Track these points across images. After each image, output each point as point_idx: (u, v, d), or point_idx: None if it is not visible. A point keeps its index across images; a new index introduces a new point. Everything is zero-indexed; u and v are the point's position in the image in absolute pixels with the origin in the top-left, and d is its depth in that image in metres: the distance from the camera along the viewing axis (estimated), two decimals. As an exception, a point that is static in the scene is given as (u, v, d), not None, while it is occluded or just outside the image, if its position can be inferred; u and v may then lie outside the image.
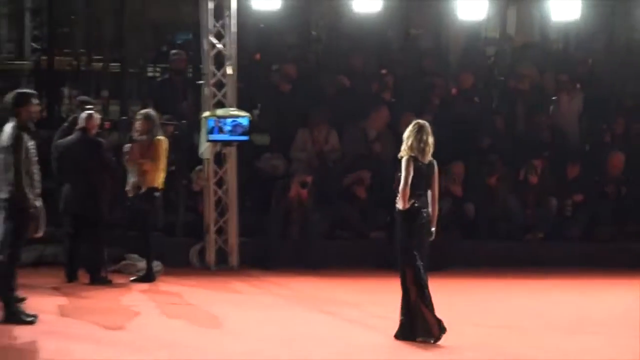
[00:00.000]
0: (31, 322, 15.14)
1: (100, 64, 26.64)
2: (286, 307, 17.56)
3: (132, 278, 19.04)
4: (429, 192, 14.72)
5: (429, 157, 14.66)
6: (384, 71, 24.45)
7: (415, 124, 14.83)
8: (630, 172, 23.27)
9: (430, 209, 14.69)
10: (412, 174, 14.48)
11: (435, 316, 14.46)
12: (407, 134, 14.73)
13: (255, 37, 24.51)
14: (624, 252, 21.86)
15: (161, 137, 19.05)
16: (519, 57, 26.32)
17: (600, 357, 14.35)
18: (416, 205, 14.51)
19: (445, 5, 23.30)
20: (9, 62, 26.62)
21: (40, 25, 26.89)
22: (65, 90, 25.55)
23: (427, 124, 14.82)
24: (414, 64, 25.32)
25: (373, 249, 20.97)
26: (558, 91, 24.66)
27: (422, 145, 14.59)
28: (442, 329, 14.46)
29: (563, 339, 15.41)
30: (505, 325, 16.34)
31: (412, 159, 14.54)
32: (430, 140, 14.62)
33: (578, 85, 24.70)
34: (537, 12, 26.36)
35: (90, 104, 19.66)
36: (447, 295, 17.97)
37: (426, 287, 14.52)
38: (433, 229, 14.69)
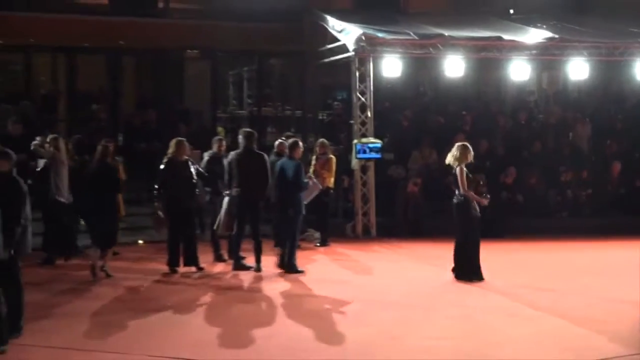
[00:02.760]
0: (250, 268, 15.65)
1: (289, 111, 26.81)
2: (406, 260, 17.73)
3: (316, 244, 19.04)
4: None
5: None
6: (464, 112, 24.49)
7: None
8: (624, 176, 23.10)
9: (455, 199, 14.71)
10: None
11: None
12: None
13: (385, 93, 24.51)
14: (622, 225, 21.16)
15: (332, 156, 19.18)
16: (550, 102, 26.38)
17: (600, 291, 14.30)
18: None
19: (503, 70, 23.26)
20: (234, 111, 27.04)
21: (252, 88, 27.13)
22: (268, 129, 25.99)
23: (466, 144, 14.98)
24: (483, 108, 25.41)
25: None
26: (575, 123, 24.62)
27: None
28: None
29: (579, 278, 15.47)
30: (542, 270, 16.40)
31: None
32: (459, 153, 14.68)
33: (587, 119, 24.65)
34: (561, 73, 26.20)
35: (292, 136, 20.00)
36: (504, 253, 18.12)
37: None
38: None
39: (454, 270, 14.83)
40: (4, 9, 21.96)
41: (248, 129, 16.53)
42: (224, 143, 17.31)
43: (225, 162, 16.41)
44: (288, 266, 15.59)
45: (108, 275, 15.08)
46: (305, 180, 16.04)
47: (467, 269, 14.68)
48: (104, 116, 22.15)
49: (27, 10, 22.38)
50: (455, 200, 14.75)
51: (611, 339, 10.97)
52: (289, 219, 15.73)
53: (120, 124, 22.94)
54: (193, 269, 15.64)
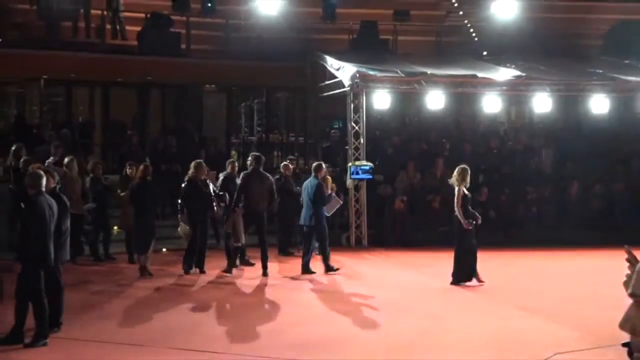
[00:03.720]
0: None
1: (294, 138, 26.92)
2: (394, 267, 17.63)
3: (315, 252, 18.60)
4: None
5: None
6: (444, 140, 24.44)
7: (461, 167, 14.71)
8: (583, 192, 23.01)
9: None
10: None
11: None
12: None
13: (375, 122, 24.48)
14: (580, 237, 20.88)
15: (328, 177, 19.11)
16: (518, 131, 26.37)
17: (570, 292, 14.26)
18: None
19: (477, 104, 23.21)
20: (245, 138, 27.06)
21: (261, 117, 27.25)
22: (275, 153, 26.02)
23: (466, 167, 14.76)
24: (461, 136, 25.38)
25: (443, 235, 19.66)
26: (540, 149, 24.59)
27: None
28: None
29: (556, 280, 15.34)
30: (520, 275, 16.37)
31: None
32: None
33: (551, 145, 24.60)
34: (527, 108, 26.21)
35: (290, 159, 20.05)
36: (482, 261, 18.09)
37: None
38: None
39: (453, 274, 14.64)
40: (49, 48, 22.21)
41: (256, 153, 16.62)
42: (236, 165, 17.49)
43: (238, 181, 16.53)
44: (325, 265, 15.94)
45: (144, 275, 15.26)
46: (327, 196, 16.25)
47: (465, 273, 14.55)
48: (135, 141, 22.21)
49: (69, 50, 22.57)
50: (455, 213, 14.54)
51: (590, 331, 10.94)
52: (315, 229, 16.01)
53: (147, 148, 22.98)
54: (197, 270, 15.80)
